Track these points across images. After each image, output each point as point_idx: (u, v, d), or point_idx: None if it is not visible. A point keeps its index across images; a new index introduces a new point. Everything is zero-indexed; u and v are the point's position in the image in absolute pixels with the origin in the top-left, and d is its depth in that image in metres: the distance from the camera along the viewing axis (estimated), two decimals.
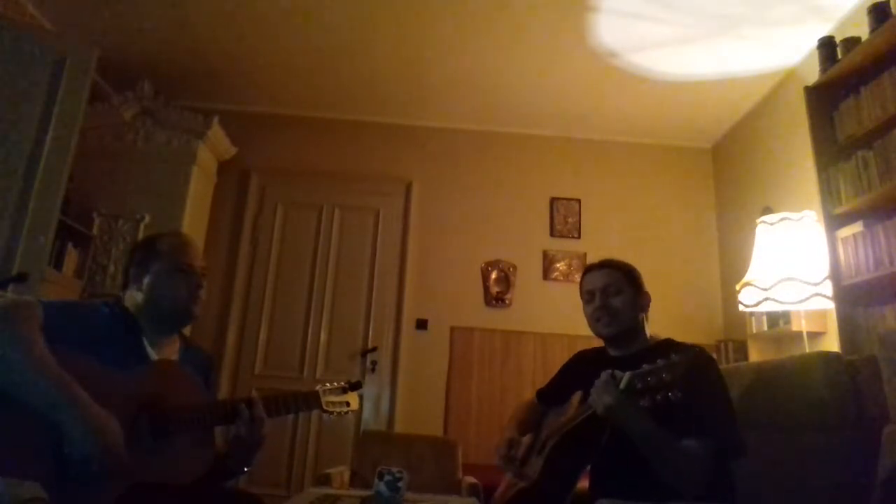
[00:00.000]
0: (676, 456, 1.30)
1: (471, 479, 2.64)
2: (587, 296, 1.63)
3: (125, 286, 1.47)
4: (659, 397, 1.20)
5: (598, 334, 1.62)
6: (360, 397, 1.67)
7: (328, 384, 1.60)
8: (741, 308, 2.76)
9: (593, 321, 1.61)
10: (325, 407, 1.56)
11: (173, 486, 1.29)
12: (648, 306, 1.62)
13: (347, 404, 1.60)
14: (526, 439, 1.69)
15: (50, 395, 1.15)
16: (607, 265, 1.64)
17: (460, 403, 3.70)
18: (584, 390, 1.43)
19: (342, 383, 1.62)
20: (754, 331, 3.24)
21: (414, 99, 3.94)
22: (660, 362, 1.22)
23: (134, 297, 1.43)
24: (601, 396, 1.31)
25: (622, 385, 1.25)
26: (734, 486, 1.43)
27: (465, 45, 3.31)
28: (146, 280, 1.42)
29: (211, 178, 3.92)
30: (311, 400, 1.55)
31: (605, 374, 1.33)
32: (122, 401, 1.24)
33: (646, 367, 1.23)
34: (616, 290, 1.57)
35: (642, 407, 1.26)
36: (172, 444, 1.30)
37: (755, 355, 3.28)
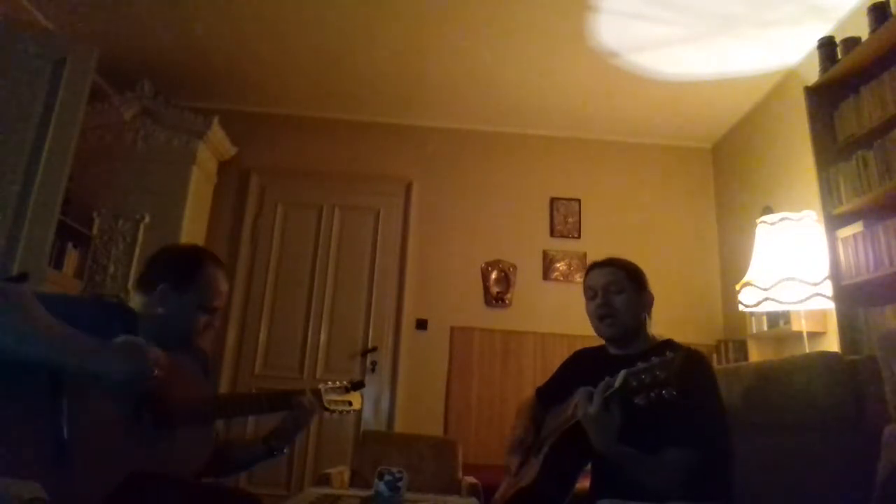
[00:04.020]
0: (652, 473, 1.33)
1: (471, 479, 2.64)
2: (589, 292, 1.63)
3: (140, 287, 1.43)
4: (653, 395, 1.20)
5: (601, 334, 1.63)
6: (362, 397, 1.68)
7: (330, 383, 1.62)
8: (741, 308, 2.77)
9: (595, 320, 1.61)
10: (326, 405, 1.57)
11: (174, 477, 1.29)
12: (651, 306, 1.62)
13: (350, 404, 1.61)
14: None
15: (75, 349, 1.15)
16: (610, 263, 1.63)
17: (460, 403, 3.70)
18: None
19: (345, 383, 1.63)
20: (754, 331, 3.24)
21: (414, 99, 3.94)
22: (654, 360, 1.22)
23: (146, 305, 1.40)
24: (583, 410, 1.32)
25: (617, 383, 1.25)
26: (731, 486, 1.43)
27: (465, 45, 3.31)
28: (172, 301, 1.39)
29: (211, 178, 3.92)
30: (312, 398, 1.55)
31: (584, 389, 1.33)
32: (123, 392, 1.24)
33: (640, 364, 1.24)
34: (617, 289, 1.57)
35: (617, 426, 1.27)
36: (173, 436, 1.30)
37: (755, 355, 3.28)
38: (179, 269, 1.44)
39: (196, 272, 1.43)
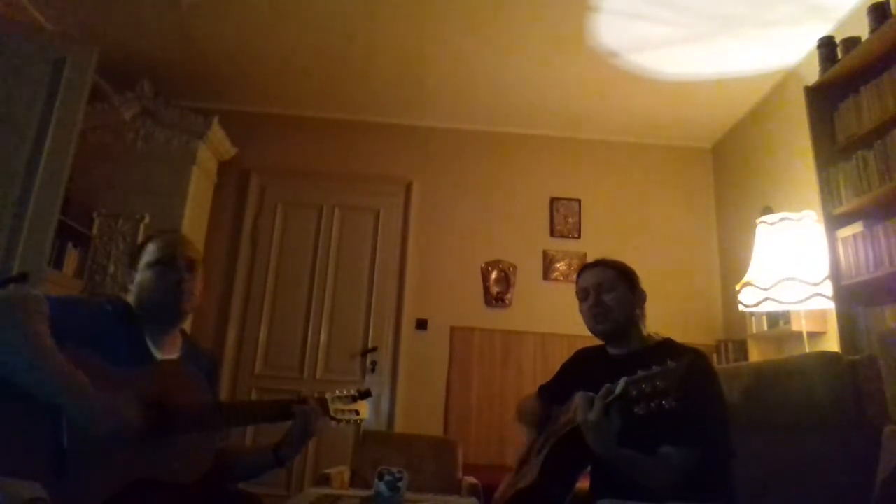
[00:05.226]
0: (650, 471, 1.34)
1: (471, 479, 2.64)
2: (581, 294, 1.64)
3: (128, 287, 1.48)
4: (653, 405, 1.20)
5: (594, 332, 1.63)
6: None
7: (337, 391, 1.60)
8: (741, 308, 2.77)
9: (589, 319, 1.62)
10: (332, 414, 1.56)
11: (174, 483, 1.29)
12: (644, 303, 1.63)
13: (357, 413, 1.60)
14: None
15: (54, 383, 1.16)
16: (600, 264, 1.66)
17: (460, 403, 3.70)
18: (585, 390, 1.42)
19: (352, 392, 1.62)
20: (754, 331, 3.24)
21: (414, 99, 3.94)
22: (655, 369, 1.21)
23: (131, 296, 1.45)
24: (582, 415, 1.31)
25: (618, 391, 1.25)
26: (733, 487, 1.43)
27: (465, 45, 3.31)
28: (136, 278, 1.44)
29: (211, 178, 3.91)
30: (315, 405, 1.54)
31: (584, 396, 1.33)
32: (127, 398, 1.24)
33: (641, 373, 1.23)
34: (609, 287, 1.58)
35: (616, 430, 1.27)
36: (175, 442, 1.30)
37: (755, 355, 3.28)
38: (136, 250, 1.50)
39: (143, 243, 1.49)
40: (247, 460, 1.56)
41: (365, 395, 1.63)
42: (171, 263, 1.41)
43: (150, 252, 1.44)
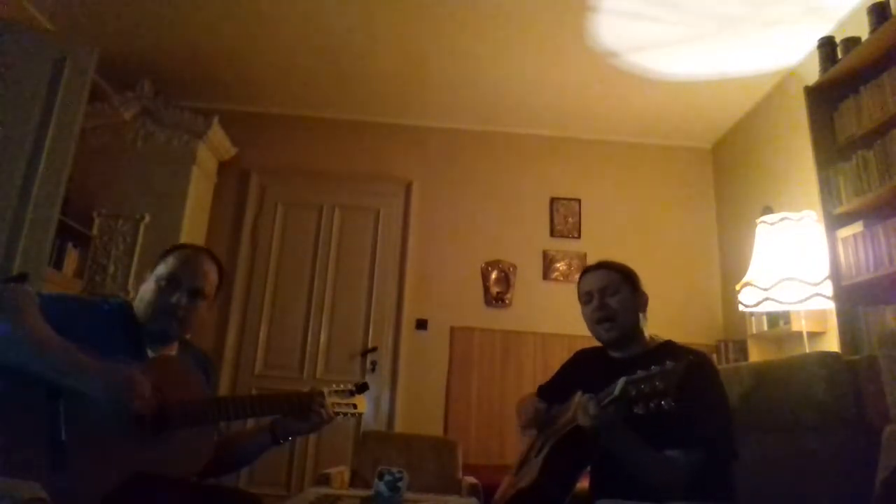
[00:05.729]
0: (656, 470, 1.34)
1: (471, 479, 2.64)
2: (585, 297, 1.63)
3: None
4: (652, 405, 1.20)
5: (599, 339, 1.62)
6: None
7: (335, 386, 1.60)
8: (741, 308, 2.77)
9: (593, 323, 1.60)
10: (330, 408, 1.57)
11: (174, 477, 1.29)
12: (646, 306, 1.62)
13: (354, 406, 1.61)
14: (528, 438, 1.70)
15: (59, 363, 1.16)
16: (603, 266, 1.64)
17: (460, 403, 3.70)
18: (584, 390, 1.42)
19: (349, 386, 1.62)
20: (754, 331, 3.24)
21: (414, 99, 3.94)
22: (654, 369, 1.21)
23: (136, 299, 1.45)
24: (583, 416, 1.32)
25: (617, 391, 1.25)
26: (734, 487, 1.43)
27: (465, 45, 3.31)
28: (144, 284, 1.44)
29: (211, 178, 3.92)
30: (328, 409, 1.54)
31: (584, 397, 1.33)
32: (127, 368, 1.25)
33: (640, 373, 1.23)
34: (613, 291, 1.57)
35: (622, 426, 1.28)
36: (173, 438, 1.30)
37: (755, 355, 3.28)
38: (159, 255, 1.48)
39: (165, 254, 1.47)
40: (247, 445, 1.56)
41: (362, 388, 1.63)
42: (175, 286, 1.40)
43: (164, 265, 1.43)
